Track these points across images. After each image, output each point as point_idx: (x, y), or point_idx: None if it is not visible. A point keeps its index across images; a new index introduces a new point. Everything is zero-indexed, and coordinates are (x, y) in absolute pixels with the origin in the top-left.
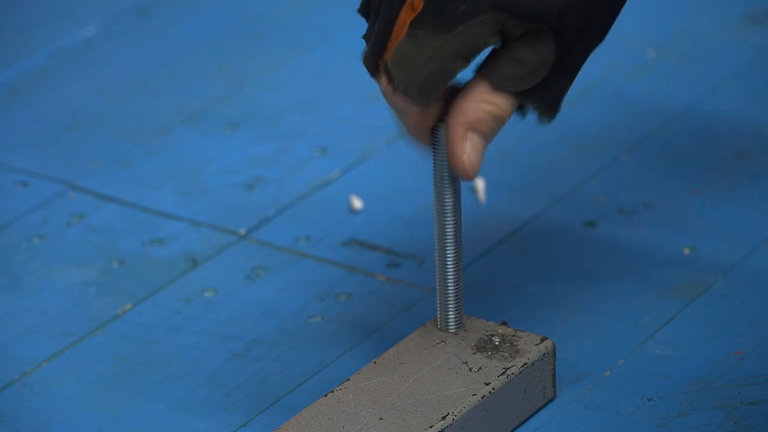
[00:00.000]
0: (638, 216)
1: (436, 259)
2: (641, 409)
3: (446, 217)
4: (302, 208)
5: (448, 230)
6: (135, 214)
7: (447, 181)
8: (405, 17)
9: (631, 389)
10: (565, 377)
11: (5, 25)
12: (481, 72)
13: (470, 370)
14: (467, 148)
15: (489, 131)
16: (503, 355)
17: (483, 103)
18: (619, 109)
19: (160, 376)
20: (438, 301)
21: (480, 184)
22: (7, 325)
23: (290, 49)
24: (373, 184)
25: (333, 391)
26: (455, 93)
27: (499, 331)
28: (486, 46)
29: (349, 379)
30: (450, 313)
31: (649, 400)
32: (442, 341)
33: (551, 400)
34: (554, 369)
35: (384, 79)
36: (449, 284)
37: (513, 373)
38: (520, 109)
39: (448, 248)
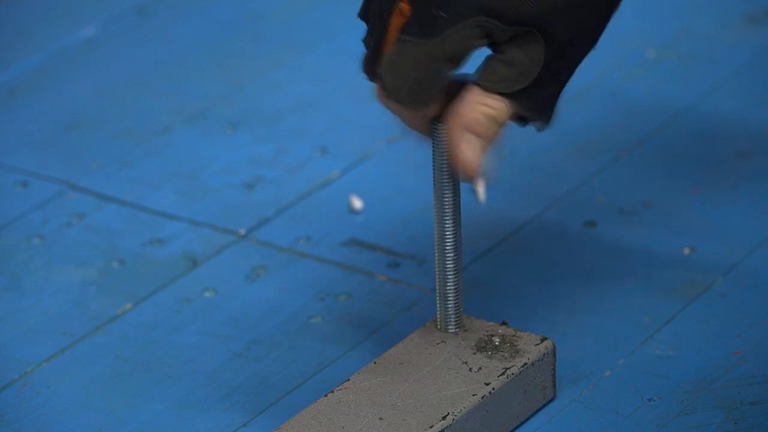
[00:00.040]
0: (638, 216)
1: (436, 259)
2: (641, 409)
3: (446, 217)
4: (302, 208)
5: (447, 230)
6: (135, 214)
7: (447, 181)
8: (396, 22)
9: (631, 389)
10: (565, 377)
11: (5, 25)
12: (474, 75)
13: (470, 370)
14: (463, 148)
15: (485, 132)
16: (503, 355)
17: (476, 104)
18: (619, 109)
19: (160, 376)
20: (438, 301)
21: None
22: (7, 325)
23: (290, 49)
24: (373, 184)
25: (333, 391)
26: (460, 89)
27: (499, 331)
28: (472, 50)
29: (349, 379)
30: (450, 313)
31: (649, 400)
32: (442, 341)
33: (551, 400)
34: (554, 369)
35: (380, 86)
36: (449, 284)
37: (513, 373)
38: (520, 118)
39: (447, 248)
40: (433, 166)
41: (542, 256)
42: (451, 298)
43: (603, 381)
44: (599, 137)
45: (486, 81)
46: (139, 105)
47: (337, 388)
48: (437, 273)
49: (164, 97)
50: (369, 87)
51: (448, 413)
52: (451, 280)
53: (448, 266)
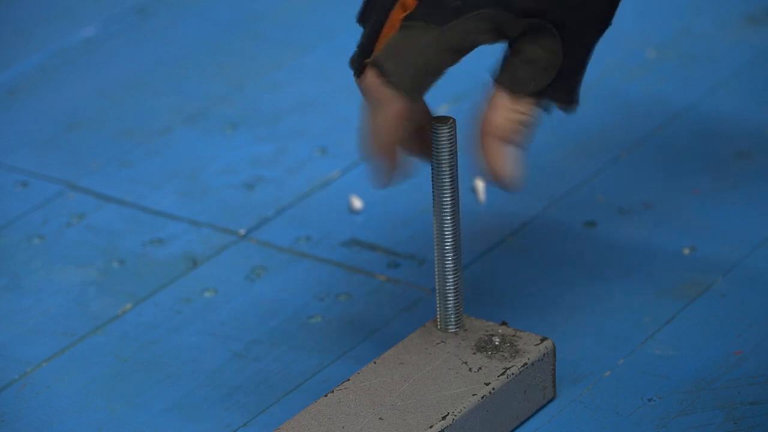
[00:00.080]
0: (638, 216)
1: (436, 259)
2: (641, 409)
3: (445, 217)
4: (302, 208)
5: (447, 230)
6: (135, 214)
7: (446, 182)
8: (396, 17)
9: (631, 389)
10: (565, 377)
11: (5, 25)
12: (498, 82)
13: (470, 370)
14: (498, 158)
15: (518, 137)
16: (503, 355)
17: (510, 112)
18: (619, 109)
19: (160, 376)
20: (438, 302)
21: (480, 184)
22: (7, 325)
23: (290, 49)
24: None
25: (333, 391)
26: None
27: (499, 331)
28: (478, 44)
29: (349, 379)
30: (450, 313)
31: (649, 400)
32: (442, 341)
33: (551, 400)
34: (554, 369)
35: (373, 73)
36: (449, 284)
37: (513, 373)
38: (541, 105)
39: (447, 248)
40: (433, 166)
41: (542, 256)
42: (451, 298)
43: (603, 381)
44: (599, 137)
45: (513, 84)
46: (139, 105)
47: (337, 388)
48: (437, 273)
49: (164, 97)
50: (354, 75)
51: (448, 413)
52: (451, 280)
53: (447, 266)
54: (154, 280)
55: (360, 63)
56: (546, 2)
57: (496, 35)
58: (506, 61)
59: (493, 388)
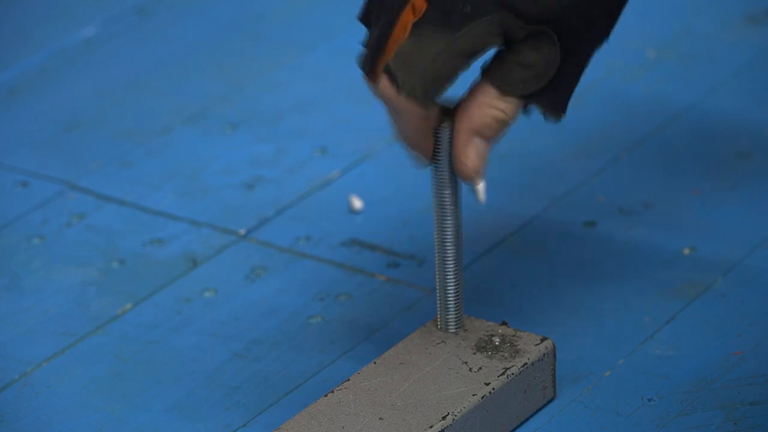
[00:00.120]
0: (638, 216)
1: (436, 259)
2: (641, 409)
3: (446, 217)
4: (302, 208)
5: (448, 230)
6: (135, 214)
7: (447, 182)
8: (406, 19)
9: (631, 389)
10: (565, 377)
11: (5, 25)
12: (487, 77)
13: (470, 370)
14: (472, 154)
15: (493, 135)
16: (503, 355)
17: (490, 108)
18: (619, 109)
19: (160, 376)
20: (438, 302)
21: (480, 184)
22: (7, 325)
23: (290, 49)
24: (373, 184)
25: (333, 391)
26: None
27: (499, 331)
28: (489, 47)
29: (349, 379)
30: (450, 313)
31: (649, 400)
32: (442, 341)
33: (551, 400)
34: (554, 369)
35: (386, 81)
36: (449, 284)
37: (513, 373)
38: (525, 108)
39: (448, 248)
40: (434, 166)
41: (542, 256)
42: (451, 298)
43: (603, 381)
44: (599, 137)
45: (504, 83)
46: (139, 105)
47: (337, 388)
48: (437, 273)
49: (164, 97)
50: (365, 78)
51: (448, 413)
52: (451, 280)
53: (448, 266)
54: (154, 280)
55: (371, 65)
56: (554, 12)
57: (503, 39)
58: (500, 59)
59: (493, 388)
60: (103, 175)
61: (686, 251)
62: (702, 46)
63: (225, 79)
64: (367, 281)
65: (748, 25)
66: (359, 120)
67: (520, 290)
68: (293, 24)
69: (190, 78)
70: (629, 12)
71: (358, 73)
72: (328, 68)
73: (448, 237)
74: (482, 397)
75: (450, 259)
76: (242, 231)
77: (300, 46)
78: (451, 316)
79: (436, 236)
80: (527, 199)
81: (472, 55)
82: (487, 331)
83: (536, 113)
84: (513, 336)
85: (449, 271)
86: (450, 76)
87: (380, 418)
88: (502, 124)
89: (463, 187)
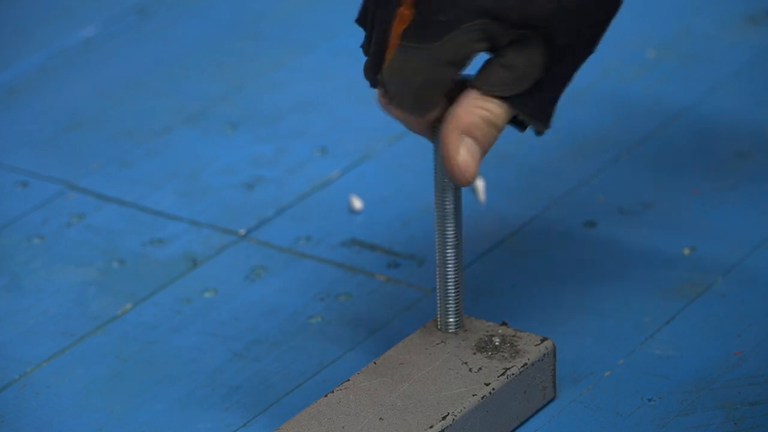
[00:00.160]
0: (638, 216)
1: (436, 259)
2: (641, 409)
3: (447, 217)
4: (302, 208)
5: (448, 231)
6: (135, 214)
7: (447, 182)
8: (397, 28)
9: (631, 389)
10: (565, 377)
11: (5, 25)
12: (473, 80)
13: (470, 370)
14: (461, 152)
15: (483, 136)
16: (503, 356)
17: (475, 108)
18: (619, 109)
19: (160, 376)
20: (438, 302)
21: (480, 184)
22: (7, 325)
23: (290, 49)
24: (373, 184)
25: (333, 391)
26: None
27: (499, 331)
28: (474, 53)
29: (349, 380)
30: (450, 313)
31: (649, 400)
32: (442, 341)
33: (551, 401)
34: (554, 369)
35: (381, 93)
36: (449, 284)
37: (513, 374)
38: (518, 123)
39: (448, 249)
40: (435, 166)
41: (542, 256)
42: (451, 299)
43: (603, 381)
44: (599, 137)
45: (484, 84)
46: (139, 105)
47: (337, 389)
48: (437, 273)
49: (164, 97)
50: (369, 87)
51: (448, 413)
52: (451, 280)
53: (448, 266)
54: (154, 280)
55: (374, 74)
56: (537, 19)
57: (489, 44)
58: (486, 62)
59: (493, 389)
60: (103, 175)
61: (686, 251)
62: (702, 46)
63: (225, 79)
64: (367, 281)
65: (748, 25)
66: (359, 120)
67: (520, 290)
68: (293, 24)
69: (190, 78)
70: (629, 12)
71: (358, 73)
72: (328, 68)
73: (449, 237)
74: (482, 398)
75: (450, 259)
76: (242, 231)
77: (300, 46)
78: (451, 317)
79: (436, 236)
80: (527, 199)
81: (458, 62)
82: (487, 332)
83: (529, 128)
84: (513, 336)
85: (449, 271)
86: (438, 85)
87: (380, 419)
88: (489, 124)
89: (464, 188)
